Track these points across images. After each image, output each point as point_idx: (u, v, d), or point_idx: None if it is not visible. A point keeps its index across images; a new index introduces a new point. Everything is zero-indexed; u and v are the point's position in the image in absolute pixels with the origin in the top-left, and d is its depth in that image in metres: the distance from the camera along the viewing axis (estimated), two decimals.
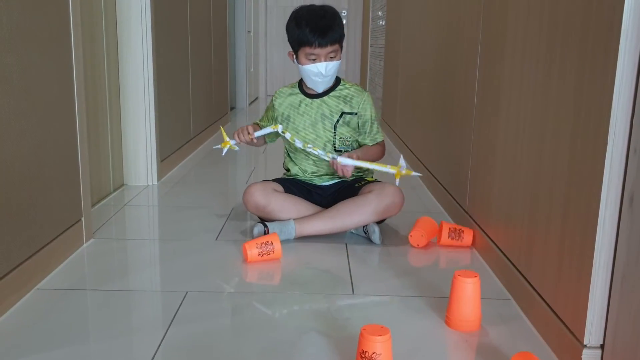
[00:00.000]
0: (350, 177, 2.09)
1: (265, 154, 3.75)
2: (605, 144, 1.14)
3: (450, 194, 2.40)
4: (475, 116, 2.05)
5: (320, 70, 2.03)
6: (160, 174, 2.89)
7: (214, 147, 2.18)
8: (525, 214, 1.56)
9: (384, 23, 5.16)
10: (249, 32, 6.68)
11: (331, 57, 2.03)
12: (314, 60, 2.03)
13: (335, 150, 2.14)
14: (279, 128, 2.10)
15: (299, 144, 2.05)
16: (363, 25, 7.09)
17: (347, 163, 1.96)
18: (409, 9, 3.68)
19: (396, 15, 4.28)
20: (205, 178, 3.03)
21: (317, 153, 2.03)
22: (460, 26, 2.31)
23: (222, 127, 2.12)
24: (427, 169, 2.88)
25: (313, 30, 1.99)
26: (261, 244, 1.81)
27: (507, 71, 1.73)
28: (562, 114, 1.34)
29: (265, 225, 2.00)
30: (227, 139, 2.11)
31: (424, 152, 3.02)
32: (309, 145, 2.04)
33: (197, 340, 1.36)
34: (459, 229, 2.03)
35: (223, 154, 2.17)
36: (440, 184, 2.58)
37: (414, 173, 1.96)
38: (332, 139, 2.12)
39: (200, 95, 3.90)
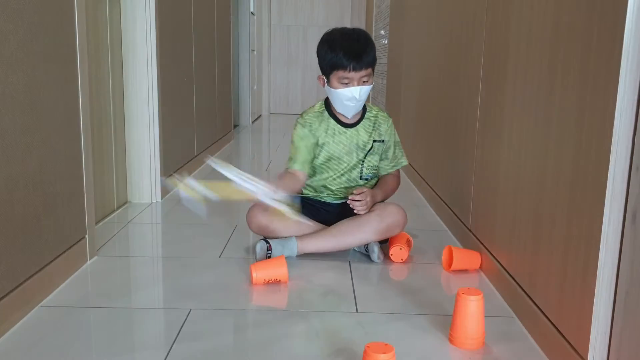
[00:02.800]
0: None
1: (269, 171, 3.76)
2: (608, 162, 1.14)
3: (453, 212, 2.40)
4: (479, 135, 2.06)
5: (354, 95, 1.98)
6: (164, 192, 2.89)
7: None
8: (528, 232, 1.57)
9: (386, 42, 5.19)
10: (253, 50, 6.73)
11: (364, 82, 1.99)
12: (347, 85, 1.98)
13: (361, 178, 2.13)
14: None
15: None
16: None
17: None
18: (412, 28, 3.71)
19: (399, 34, 4.32)
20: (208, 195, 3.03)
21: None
22: (463, 46, 2.33)
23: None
24: (430, 186, 2.88)
25: (348, 53, 1.94)
26: (268, 267, 1.81)
27: (510, 90, 1.74)
28: (564, 134, 1.35)
29: (268, 243, 2.00)
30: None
31: (427, 170, 3.03)
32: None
33: (201, 359, 1.35)
34: (468, 255, 2.02)
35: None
36: (443, 202, 2.59)
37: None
38: (360, 166, 2.12)
39: (204, 113, 3.92)
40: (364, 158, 2.13)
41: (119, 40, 2.66)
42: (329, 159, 2.12)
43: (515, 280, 1.66)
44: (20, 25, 1.51)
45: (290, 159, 2.12)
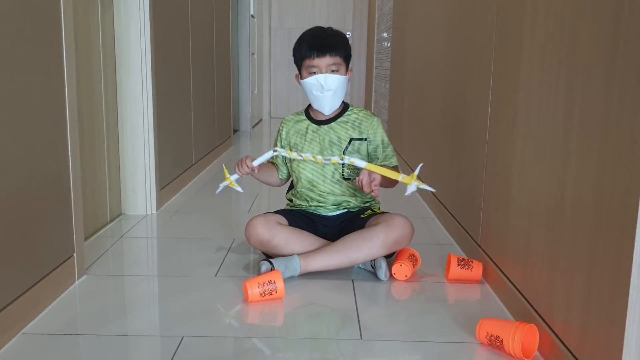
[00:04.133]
0: (358, 204, 2.02)
1: None
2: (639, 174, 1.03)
3: (461, 225, 2.29)
4: (489, 143, 1.95)
5: (319, 81, 1.96)
6: (160, 203, 2.79)
7: (216, 193, 2.07)
8: (545, 251, 1.46)
9: (389, 45, 5.09)
10: (253, 54, 6.63)
11: (333, 71, 1.97)
12: (315, 74, 1.97)
13: (344, 179, 2.04)
14: (278, 150, 2.05)
15: (305, 155, 1.99)
16: (368, 48, 7.04)
17: (358, 164, 1.89)
18: (416, 32, 3.60)
19: (402, 36, 4.21)
20: (205, 207, 2.93)
21: (324, 161, 1.99)
22: (471, 48, 2.22)
23: (224, 165, 2.03)
24: (436, 197, 2.77)
25: (311, 41, 1.99)
26: (263, 283, 1.71)
27: (523, 97, 1.63)
28: (587, 145, 1.24)
29: (271, 263, 1.89)
30: (228, 175, 2.02)
31: (432, 179, 2.91)
32: (317, 157, 1.98)
33: None
34: (468, 260, 1.94)
35: (217, 192, 2.05)
36: (450, 213, 2.48)
37: (426, 187, 1.85)
38: (340, 166, 2.03)
39: (202, 119, 3.82)
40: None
41: (112, 46, 2.56)
42: (303, 160, 2.05)
43: (529, 303, 1.55)
44: None
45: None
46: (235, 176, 2.02)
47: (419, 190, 1.84)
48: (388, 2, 5.31)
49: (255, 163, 2.00)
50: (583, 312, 1.24)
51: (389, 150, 2.08)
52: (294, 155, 2.01)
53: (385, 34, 5.51)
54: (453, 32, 2.55)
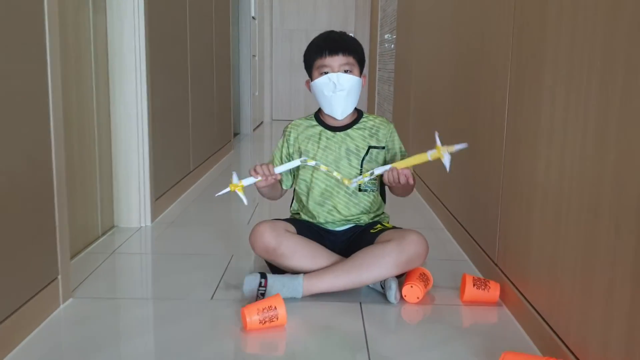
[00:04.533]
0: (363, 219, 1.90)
1: None
2: None
3: (474, 240, 2.14)
4: (507, 149, 1.81)
5: (332, 80, 1.82)
6: (155, 214, 2.65)
7: (216, 195, 1.89)
8: (576, 275, 1.31)
9: (393, 47, 4.95)
10: (254, 56, 6.49)
11: (345, 71, 1.84)
12: (327, 74, 1.84)
13: (360, 190, 1.91)
14: (303, 159, 1.88)
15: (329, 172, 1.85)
16: (370, 50, 6.89)
17: (383, 170, 1.79)
18: (422, 34, 3.46)
19: (407, 39, 4.07)
20: (202, 218, 2.79)
21: (354, 183, 1.84)
22: (486, 47, 2.08)
23: (235, 172, 1.83)
24: (446, 207, 2.63)
25: (323, 40, 1.88)
26: (263, 309, 1.56)
27: (547, 93, 1.49)
28: (627, 150, 1.09)
29: (265, 277, 1.75)
30: (236, 181, 1.79)
31: (441, 187, 2.78)
32: (346, 180, 1.84)
33: None
34: (485, 280, 1.79)
35: (217, 195, 1.83)
36: (461, 226, 2.33)
37: (456, 146, 1.75)
38: (358, 176, 1.89)
39: (201, 123, 3.68)
40: (361, 166, 1.89)
41: (105, 48, 2.42)
42: (312, 169, 1.91)
43: (556, 333, 1.40)
44: None
45: None
46: (250, 180, 1.80)
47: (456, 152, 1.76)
48: (392, 3, 5.17)
49: (278, 170, 1.83)
50: (627, 350, 1.10)
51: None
52: (323, 167, 1.85)
53: (387, 36, 5.36)
54: (465, 33, 2.41)
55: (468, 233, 2.24)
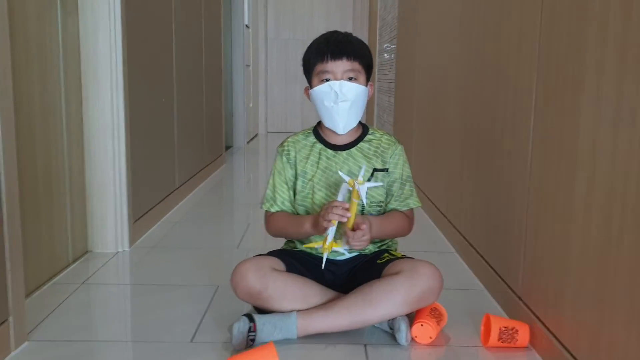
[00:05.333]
0: (367, 248, 1.64)
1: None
2: None
3: (492, 268, 1.90)
4: (533, 167, 1.56)
5: (334, 88, 1.56)
6: (134, 237, 2.39)
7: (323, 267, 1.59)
8: (631, 315, 1.06)
9: (393, 56, 4.72)
10: (248, 66, 6.26)
11: (350, 78, 1.58)
12: (328, 81, 1.58)
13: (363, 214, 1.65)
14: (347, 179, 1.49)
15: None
16: None
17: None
18: (426, 40, 3.23)
19: (409, 47, 3.83)
20: (187, 241, 2.52)
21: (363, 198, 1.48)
22: (506, 59, 1.84)
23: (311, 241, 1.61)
24: (457, 229, 2.38)
25: (324, 42, 1.61)
26: None
27: (588, 99, 1.25)
28: None
29: (253, 320, 1.49)
30: (327, 240, 1.51)
31: (449, 206, 2.53)
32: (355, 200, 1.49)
33: None
34: (512, 329, 1.53)
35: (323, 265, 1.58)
36: (476, 251, 2.08)
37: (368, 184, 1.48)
38: (362, 202, 1.65)
39: (188, 136, 3.43)
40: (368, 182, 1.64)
41: (77, 54, 2.17)
42: (312, 193, 1.66)
43: None
44: None
45: (267, 199, 1.71)
46: (331, 234, 1.50)
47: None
48: (391, 11, 4.96)
49: (340, 198, 1.53)
50: None
51: (407, 187, 1.69)
52: (355, 198, 1.48)
53: (386, 45, 5.14)
54: (476, 41, 2.17)
55: (484, 259, 1.99)
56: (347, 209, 1.46)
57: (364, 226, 1.49)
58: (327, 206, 1.49)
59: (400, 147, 1.71)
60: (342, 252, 1.60)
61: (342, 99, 1.57)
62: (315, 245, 1.57)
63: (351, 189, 1.47)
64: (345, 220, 1.47)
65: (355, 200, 1.47)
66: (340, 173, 1.51)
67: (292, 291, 1.56)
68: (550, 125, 1.45)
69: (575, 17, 1.33)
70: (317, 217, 1.53)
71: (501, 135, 1.83)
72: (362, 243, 1.51)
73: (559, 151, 1.40)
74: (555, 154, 1.42)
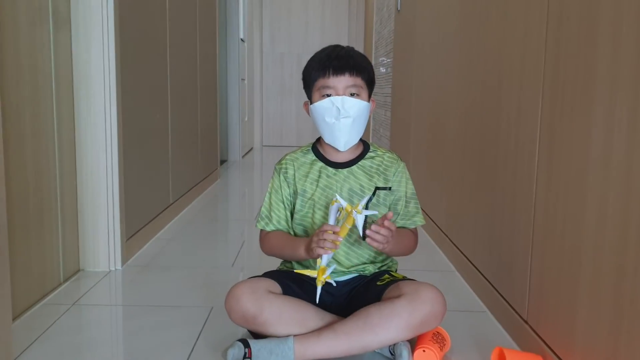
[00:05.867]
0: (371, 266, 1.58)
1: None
2: None
3: (495, 289, 1.85)
4: (539, 179, 1.52)
5: (335, 104, 1.51)
6: (127, 255, 2.33)
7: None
8: None
9: (389, 70, 4.69)
10: (243, 79, 6.22)
11: (352, 94, 1.53)
12: (329, 96, 1.53)
13: (364, 238, 1.60)
14: (341, 203, 1.43)
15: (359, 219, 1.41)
16: None
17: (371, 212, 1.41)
18: (424, 53, 3.19)
19: (405, 60, 3.80)
20: (181, 259, 2.47)
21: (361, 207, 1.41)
22: (509, 68, 1.80)
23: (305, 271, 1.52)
24: (456, 246, 2.33)
25: (326, 57, 1.55)
26: None
27: (598, 112, 1.21)
28: None
29: (248, 346, 1.44)
30: (318, 269, 1.46)
31: (449, 223, 2.48)
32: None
33: None
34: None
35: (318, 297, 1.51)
36: (478, 271, 2.03)
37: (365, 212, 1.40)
38: (363, 222, 1.60)
39: (182, 151, 3.38)
40: (366, 209, 1.59)
41: (69, 70, 2.12)
42: (312, 212, 1.60)
43: None
44: None
45: (262, 217, 1.66)
46: (326, 259, 1.46)
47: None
48: (387, 24, 4.93)
49: (331, 221, 1.48)
50: None
51: (412, 205, 1.64)
52: (350, 210, 1.41)
53: (382, 59, 5.11)
54: (481, 53, 2.13)
55: (486, 279, 1.94)
56: (338, 233, 1.42)
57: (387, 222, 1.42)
58: (318, 232, 1.44)
59: (402, 164, 1.67)
60: (333, 283, 1.55)
61: (344, 115, 1.52)
62: (308, 273, 1.51)
63: (347, 213, 1.42)
64: (334, 250, 1.42)
65: (347, 226, 1.42)
66: (337, 197, 1.46)
67: (289, 315, 1.51)
68: (559, 139, 1.41)
69: (585, 21, 1.29)
70: (310, 242, 1.48)
71: (505, 150, 1.79)
72: (380, 239, 1.42)
73: (567, 166, 1.35)
74: (563, 169, 1.38)
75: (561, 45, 1.40)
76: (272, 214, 1.65)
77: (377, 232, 1.43)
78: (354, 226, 1.42)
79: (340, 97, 1.52)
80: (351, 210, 1.40)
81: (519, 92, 1.67)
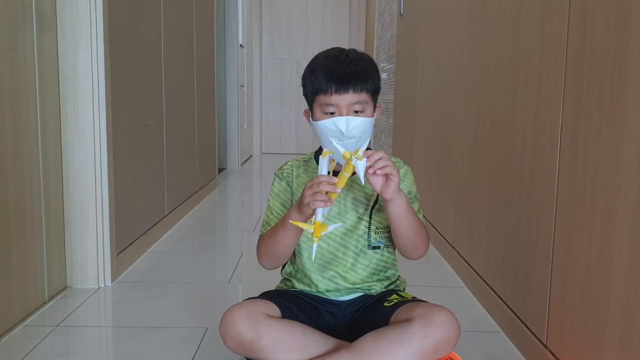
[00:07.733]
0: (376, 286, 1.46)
1: (255, 234, 3.08)
2: None
3: (510, 308, 1.72)
4: (560, 189, 1.40)
5: (339, 126, 1.38)
6: (117, 271, 2.20)
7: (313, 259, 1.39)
8: None
9: (392, 76, 4.58)
10: (242, 86, 6.11)
11: (356, 112, 1.40)
12: (332, 115, 1.40)
13: (370, 247, 1.47)
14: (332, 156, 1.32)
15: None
16: None
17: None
18: (429, 58, 3.08)
19: (409, 66, 3.69)
20: (174, 274, 2.34)
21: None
22: (524, 75, 1.68)
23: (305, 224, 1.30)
24: (465, 260, 2.20)
25: (329, 72, 1.40)
26: None
27: (626, 119, 1.08)
28: None
29: None
30: (314, 221, 1.26)
31: (458, 236, 2.35)
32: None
33: None
34: None
35: (314, 257, 1.32)
36: (490, 288, 1.90)
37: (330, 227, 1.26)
38: (367, 230, 1.46)
39: (178, 159, 3.25)
40: (370, 217, 1.48)
41: (55, 74, 2.00)
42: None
43: None
44: None
45: (263, 224, 1.53)
46: (320, 214, 1.27)
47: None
48: (390, 29, 4.83)
49: (323, 171, 1.32)
50: None
51: (416, 207, 1.52)
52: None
53: (386, 64, 5.00)
54: (492, 57, 2.01)
55: (500, 297, 1.81)
56: (336, 184, 1.27)
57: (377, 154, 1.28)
58: (311, 184, 1.29)
59: (406, 167, 1.56)
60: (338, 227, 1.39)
61: (348, 136, 1.39)
62: (304, 227, 1.29)
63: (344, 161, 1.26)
64: (330, 205, 1.27)
65: (346, 175, 1.28)
66: (334, 143, 1.32)
67: (289, 341, 1.38)
68: (584, 146, 1.29)
69: (612, 19, 1.17)
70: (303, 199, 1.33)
71: (520, 158, 1.67)
72: (382, 163, 1.28)
73: (594, 175, 1.23)
74: (590, 178, 1.25)
75: (586, 34, 1.28)
76: (274, 217, 1.52)
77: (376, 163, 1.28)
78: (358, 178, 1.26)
79: (344, 117, 1.38)
80: (350, 157, 1.26)
81: (536, 98, 1.55)
